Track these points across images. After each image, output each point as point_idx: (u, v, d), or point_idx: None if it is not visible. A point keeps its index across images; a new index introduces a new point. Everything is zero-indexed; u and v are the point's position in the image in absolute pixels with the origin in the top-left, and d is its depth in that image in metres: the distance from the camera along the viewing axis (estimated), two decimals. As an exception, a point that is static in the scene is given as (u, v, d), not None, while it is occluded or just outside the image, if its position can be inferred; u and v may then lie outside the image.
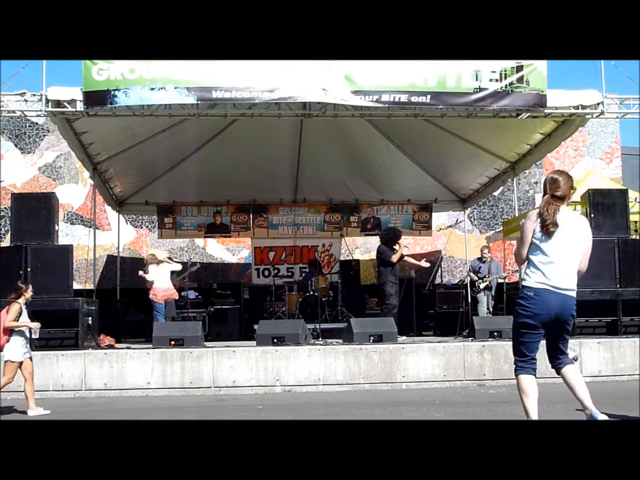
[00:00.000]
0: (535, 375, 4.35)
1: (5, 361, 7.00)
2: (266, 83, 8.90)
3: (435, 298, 13.52)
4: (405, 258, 11.30)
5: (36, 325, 7.10)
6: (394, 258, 10.62)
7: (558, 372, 4.45)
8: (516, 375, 4.37)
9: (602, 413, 4.17)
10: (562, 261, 4.26)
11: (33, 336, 7.28)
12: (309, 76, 8.91)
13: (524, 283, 4.35)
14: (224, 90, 8.86)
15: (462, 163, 13.25)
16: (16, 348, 7.01)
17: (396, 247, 10.74)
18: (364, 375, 8.62)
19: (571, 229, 4.29)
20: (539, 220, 4.30)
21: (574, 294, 4.32)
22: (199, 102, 9.02)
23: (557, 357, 4.42)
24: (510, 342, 4.50)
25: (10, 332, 7.00)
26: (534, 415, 4.22)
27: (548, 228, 4.24)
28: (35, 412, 7.03)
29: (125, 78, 8.77)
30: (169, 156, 12.82)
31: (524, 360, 4.34)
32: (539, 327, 4.28)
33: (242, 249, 16.86)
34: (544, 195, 4.38)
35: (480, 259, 12.72)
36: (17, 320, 6.97)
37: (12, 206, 9.61)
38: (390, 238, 10.90)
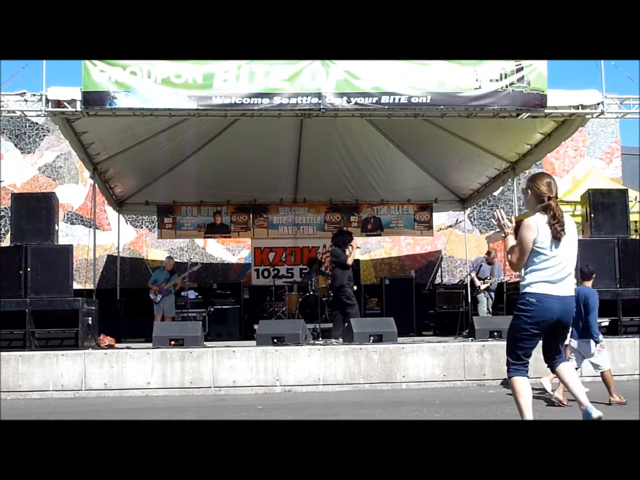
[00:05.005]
0: (528, 376, 4.38)
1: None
2: (265, 88, 8.94)
3: (435, 298, 13.54)
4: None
5: None
6: (349, 260, 10.78)
7: (553, 370, 4.50)
8: (510, 377, 4.38)
9: (597, 410, 4.19)
10: (566, 267, 4.29)
11: None
12: (307, 80, 8.93)
13: (526, 290, 4.31)
14: (223, 96, 8.91)
15: (462, 163, 13.25)
16: None
17: (349, 249, 10.88)
18: (364, 375, 8.61)
19: (569, 232, 4.32)
20: (543, 226, 4.26)
21: (573, 293, 4.39)
22: (199, 108, 9.07)
23: (554, 357, 4.48)
24: (510, 343, 4.50)
25: None
26: (529, 416, 4.24)
27: (561, 233, 4.24)
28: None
29: (126, 81, 8.80)
30: (169, 156, 12.82)
31: (519, 363, 4.35)
32: (540, 333, 4.32)
33: (242, 249, 16.86)
34: (538, 199, 4.34)
35: (485, 260, 12.74)
36: None
37: (12, 206, 9.59)
38: (342, 241, 11.03)
